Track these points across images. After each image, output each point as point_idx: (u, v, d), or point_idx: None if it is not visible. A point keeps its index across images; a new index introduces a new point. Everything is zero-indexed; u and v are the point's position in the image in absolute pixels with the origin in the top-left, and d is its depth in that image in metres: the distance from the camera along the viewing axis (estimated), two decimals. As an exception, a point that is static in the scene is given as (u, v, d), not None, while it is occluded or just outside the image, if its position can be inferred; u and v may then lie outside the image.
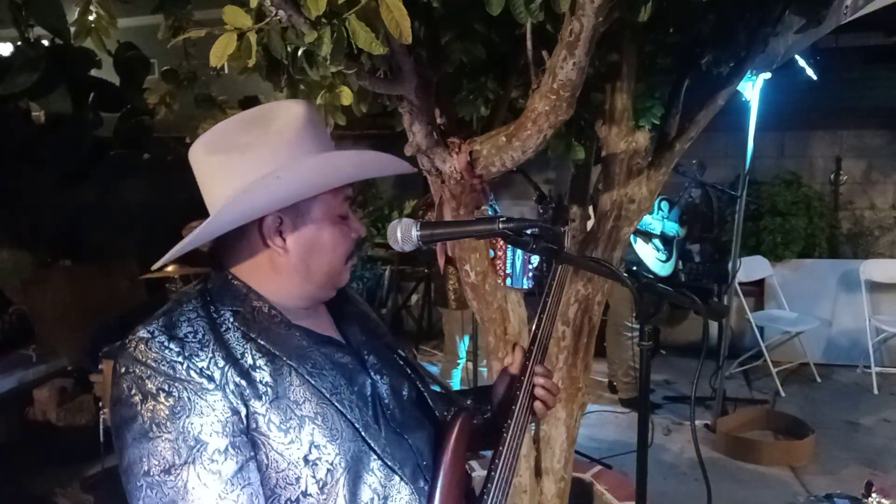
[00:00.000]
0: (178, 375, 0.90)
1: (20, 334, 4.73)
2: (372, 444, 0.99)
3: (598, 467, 3.58)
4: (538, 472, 2.28)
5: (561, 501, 2.31)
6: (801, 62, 3.84)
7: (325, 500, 0.94)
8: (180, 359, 0.91)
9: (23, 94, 4.54)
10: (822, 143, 5.93)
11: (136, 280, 4.75)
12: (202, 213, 1.12)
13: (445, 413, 1.19)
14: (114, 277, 4.78)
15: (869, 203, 5.88)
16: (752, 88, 3.82)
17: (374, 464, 0.98)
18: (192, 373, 0.90)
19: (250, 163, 0.98)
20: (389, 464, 1.00)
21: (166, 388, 0.89)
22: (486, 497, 1.08)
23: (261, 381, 0.94)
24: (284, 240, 1.02)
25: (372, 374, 1.09)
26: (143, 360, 0.91)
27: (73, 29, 2.07)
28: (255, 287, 1.03)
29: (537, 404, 1.23)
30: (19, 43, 4.43)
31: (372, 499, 0.97)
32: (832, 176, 5.91)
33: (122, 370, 0.92)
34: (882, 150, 5.80)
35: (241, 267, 1.04)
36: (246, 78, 1.51)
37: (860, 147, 5.84)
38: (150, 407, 0.89)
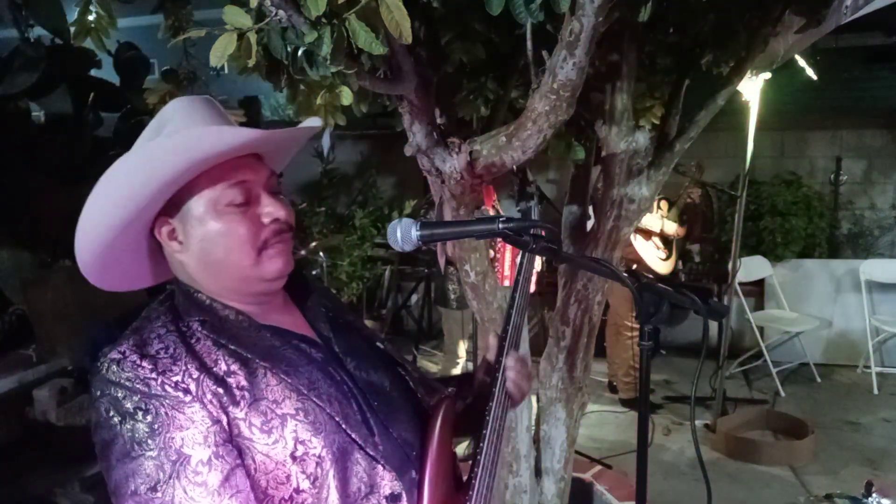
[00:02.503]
0: (153, 392, 0.90)
1: (20, 334, 4.73)
2: (353, 436, 0.99)
3: (598, 467, 3.58)
4: (538, 472, 2.28)
5: (561, 501, 2.31)
6: (801, 62, 3.84)
7: (317, 493, 0.95)
8: (154, 375, 0.91)
9: (23, 94, 4.53)
10: (822, 143, 5.93)
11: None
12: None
13: (428, 398, 1.19)
14: (114, 277, 4.77)
15: (869, 203, 5.88)
16: (752, 88, 3.82)
17: (358, 454, 0.99)
18: (168, 388, 0.90)
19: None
20: (371, 453, 1.00)
21: (143, 405, 0.89)
22: (473, 482, 1.10)
23: (237, 387, 0.94)
24: (181, 244, 1.01)
25: (349, 367, 1.08)
26: (117, 380, 0.90)
27: (73, 29, 2.07)
28: (207, 293, 1.03)
29: (511, 386, 1.24)
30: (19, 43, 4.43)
31: (359, 488, 0.98)
32: (832, 176, 5.91)
33: (98, 393, 0.91)
34: (882, 150, 5.80)
35: (181, 278, 1.05)
36: (246, 78, 1.51)
37: (860, 147, 5.84)
38: (130, 427, 0.89)
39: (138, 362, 0.91)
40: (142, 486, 0.87)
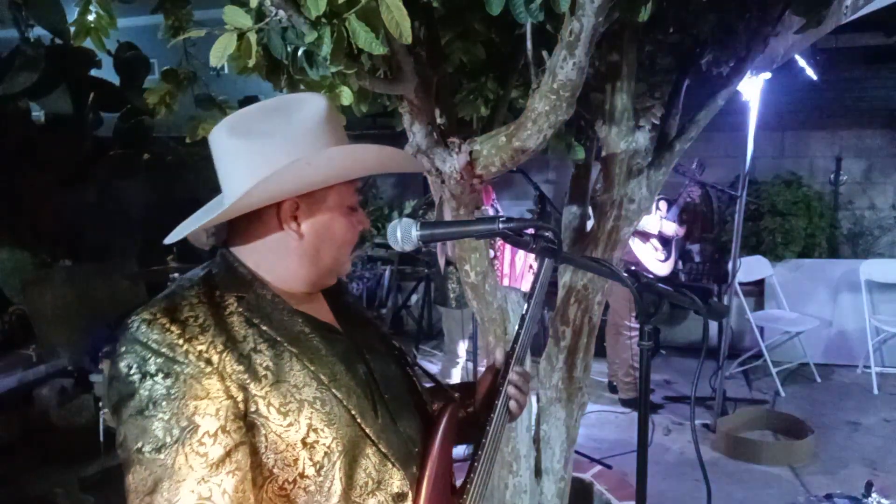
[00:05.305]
0: (177, 357, 0.92)
1: (20, 334, 4.73)
2: (367, 431, 1.02)
3: (598, 467, 3.59)
4: (538, 472, 2.28)
5: (561, 501, 2.31)
6: (801, 62, 3.84)
7: (321, 482, 0.97)
8: (181, 341, 0.93)
9: (23, 94, 4.53)
10: (822, 143, 5.93)
11: (136, 280, 4.75)
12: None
13: (433, 402, 1.22)
14: (114, 277, 4.78)
15: (869, 203, 5.88)
16: (752, 88, 3.82)
17: (370, 449, 1.02)
18: (191, 356, 0.93)
19: (274, 149, 1.01)
20: (384, 450, 1.03)
21: (165, 369, 0.91)
22: (469, 486, 1.13)
23: (261, 365, 0.96)
24: (299, 224, 1.05)
25: (367, 361, 1.12)
26: (144, 340, 0.93)
27: (73, 29, 2.07)
28: (260, 270, 1.06)
29: (510, 402, 1.27)
30: (19, 43, 4.43)
31: (366, 482, 1.01)
32: (832, 176, 5.91)
33: (123, 349, 0.94)
34: (882, 150, 5.80)
35: (250, 248, 1.06)
36: (246, 78, 1.51)
37: (860, 147, 5.84)
38: (148, 386, 0.91)
39: (167, 326, 0.93)
40: (148, 445, 0.90)
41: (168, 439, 0.89)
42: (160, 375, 0.91)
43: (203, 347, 0.94)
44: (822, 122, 5.79)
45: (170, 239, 1.09)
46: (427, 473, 1.07)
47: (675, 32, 2.10)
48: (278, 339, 1.00)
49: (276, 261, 1.06)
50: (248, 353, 0.96)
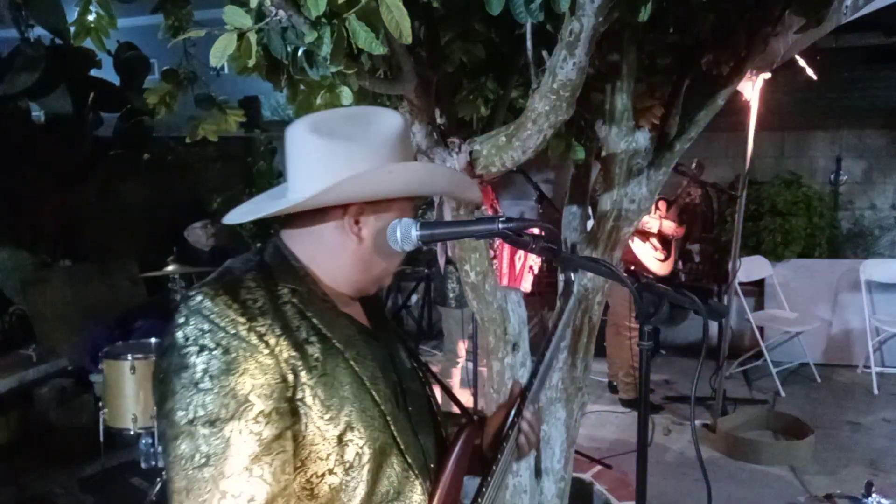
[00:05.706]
0: (239, 334, 0.93)
1: (20, 334, 4.73)
2: (398, 438, 1.03)
3: (598, 467, 3.59)
4: (538, 472, 2.28)
5: (561, 501, 2.31)
6: (801, 62, 3.84)
7: (347, 481, 0.98)
8: (242, 319, 0.94)
9: (23, 94, 4.54)
10: (822, 143, 5.94)
11: (137, 280, 4.75)
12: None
13: (447, 425, 1.23)
14: (114, 277, 4.79)
15: (869, 203, 5.89)
16: (752, 88, 3.82)
17: (395, 458, 1.03)
18: (253, 335, 0.93)
19: (355, 152, 1.03)
20: (409, 461, 1.04)
21: (224, 343, 0.92)
22: None
23: (312, 356, 0.98)
24: (360, 229, 1.07)
25: (397, 371, 1.13)
26: (207, 314, 0.93)
27: (73, 29, 2.07)
28: (313, 265, 1.07)
29: (521, 437, 1.28)
30: (19, 43, 4.43)
31: (388, 491, 1.02)
32: (832, 176, 5.91)
33: (182, 320, 0.94)
34: (882, 150, 5.80)
35: (306, 241, 1.08)
36: (246, 78, 1.51)
37: (860, 147, 5.85)
38: (205, 359, 0.91)
39: (230, 303, 0.95)
40: (201, 417, 0.90)
41: (223, 413, 0.90)
42: (219, 350, 0.92)
43: (262, 329, 0.95)
44: (822, 122, 5.79)
45: (229, 220, 1.10)
46: (438, 492, 1.08)
47: (675, 32, 2.10)
48: (328, 335, 1.01)
49: (331, 260, 1.08)
50: (301, 342, 0.98)
